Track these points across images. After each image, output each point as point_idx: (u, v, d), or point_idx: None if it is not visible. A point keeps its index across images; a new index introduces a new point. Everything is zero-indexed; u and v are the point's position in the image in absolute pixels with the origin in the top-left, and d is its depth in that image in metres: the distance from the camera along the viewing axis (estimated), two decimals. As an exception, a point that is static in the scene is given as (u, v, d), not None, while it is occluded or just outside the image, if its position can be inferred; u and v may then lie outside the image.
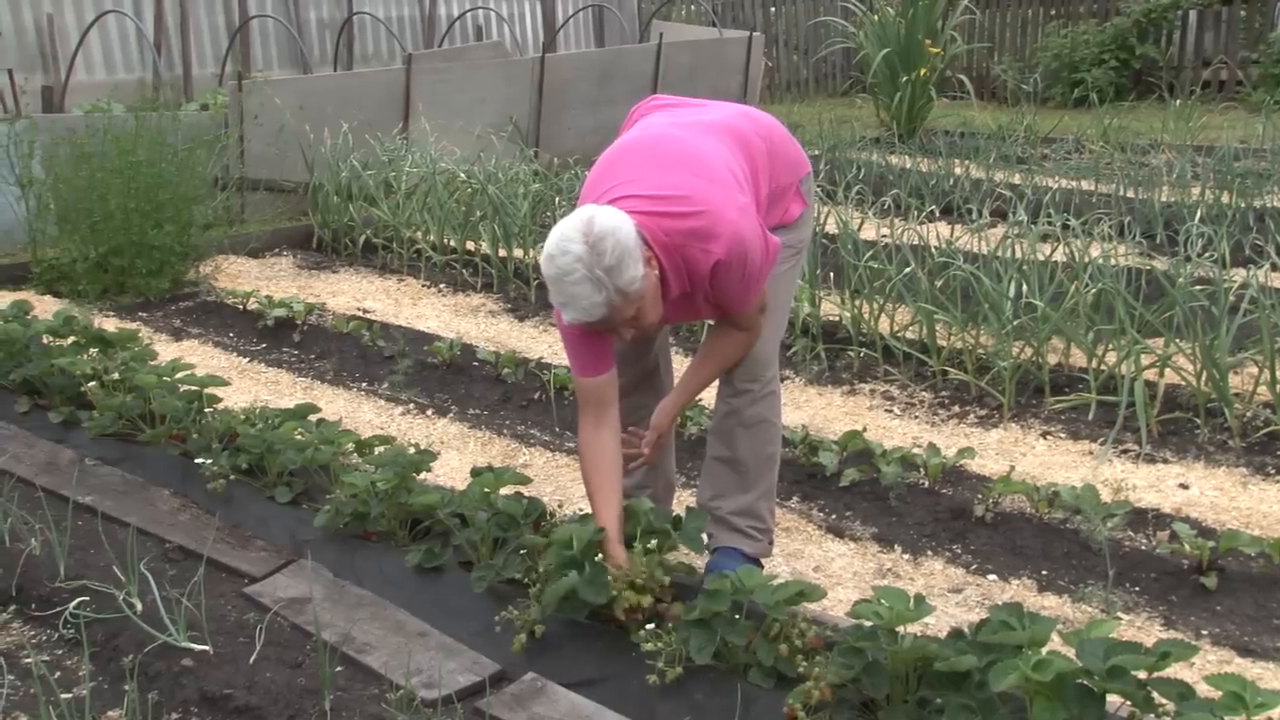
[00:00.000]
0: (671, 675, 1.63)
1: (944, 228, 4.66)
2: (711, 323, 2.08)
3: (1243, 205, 4.48)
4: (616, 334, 1.86)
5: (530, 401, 3.45)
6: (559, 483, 2.72)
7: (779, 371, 2.17)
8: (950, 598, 2.20)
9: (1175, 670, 1.45)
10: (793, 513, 2.70)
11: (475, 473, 2.24)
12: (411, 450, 2.46)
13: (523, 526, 2.06)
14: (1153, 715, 1.36)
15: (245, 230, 5.18)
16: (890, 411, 3.26)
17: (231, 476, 2.45)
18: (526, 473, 2.31)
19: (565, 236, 1.73)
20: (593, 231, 1.73)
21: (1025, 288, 3.39)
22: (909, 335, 3.60)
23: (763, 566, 2.19)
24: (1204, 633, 2.00)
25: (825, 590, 1.71)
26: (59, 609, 1.94)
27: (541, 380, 3.53)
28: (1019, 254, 3.63)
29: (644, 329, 1.86)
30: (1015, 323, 3.26)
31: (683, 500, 2.76)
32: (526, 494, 2.18)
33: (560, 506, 2.24)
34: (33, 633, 1.94)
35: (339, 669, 1.82)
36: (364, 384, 3.67)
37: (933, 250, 3.77)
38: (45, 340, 3.15)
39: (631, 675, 1.69)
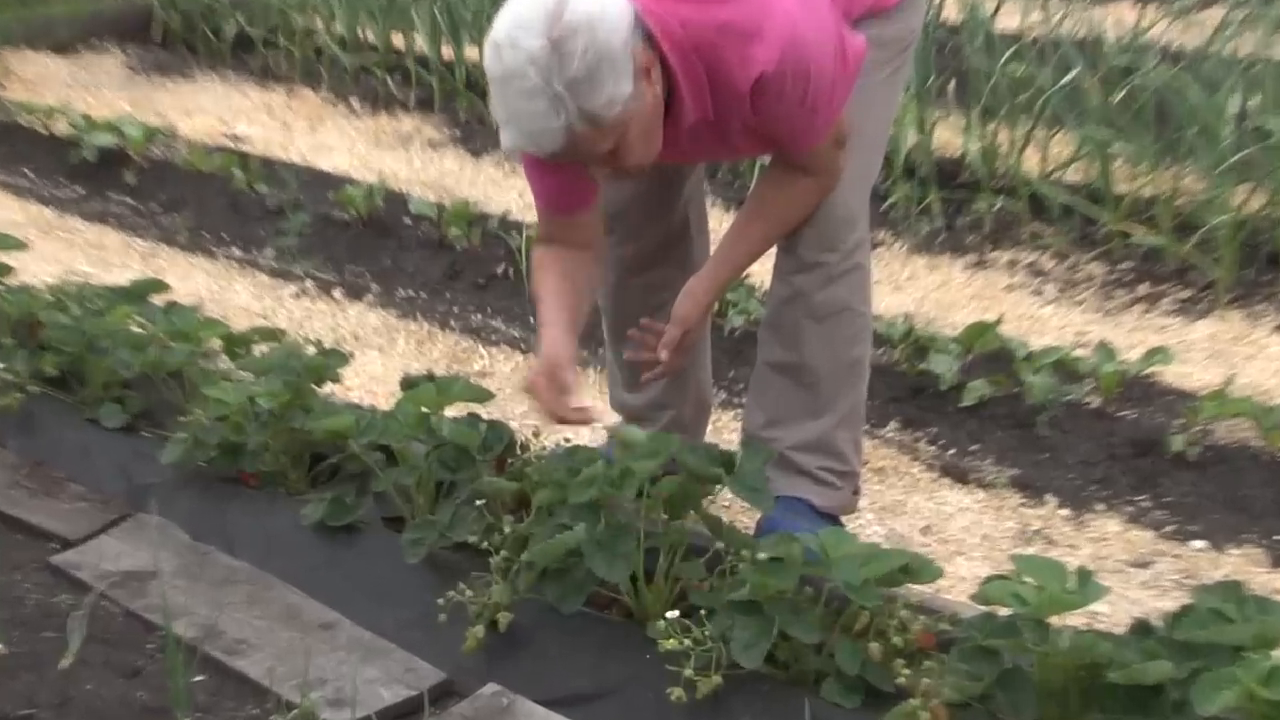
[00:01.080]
0: (705, 688, 1.65)
1: (1126, 11, 4.58)
2: (766, 160, 2.13)
3: None
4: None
5: (490, 278, 3.42)
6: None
7: (868, 235, 2.19)
8: (1132, 575, 2.21)
9: None
10: (889, 446, 2.69)
11: (408, 384, 2.27)
12: (311, 351, 2.47)
13: (480, 464, 2.09)
14: None
15: (47, 11, 5.00)
16: (1040, 294, 3.23)
17: (31, 388, 2.49)
18: (485, 385, 2.31)
19: (521, 22, 1.74)
20: (560, 21, 1.73)
21: (1254, 102, 3.32)
22: (1070, 177, 3.55)
23: (843, 525, 2.23)
24: None
25: (940, 565, 1.73)
26: None
27: (507, 246, 3.46)
28: (1244, 51, 3.57)
29: (629, 171, 1.92)
30: (1238, 156, 3.15)
31: (722, 429, 2.75)
32: (486, 416, 2.22)
33: (536, 435, 2.22)
34: None
35: (200, 678, 1.84)
36: (236, 250, 3.64)
37: (1109, 46, 3.70)
38: None
39: (644, 687, 1.73)
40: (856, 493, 2.27)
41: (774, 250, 2.18)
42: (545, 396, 1.96)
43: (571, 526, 1.80)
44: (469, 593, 1.86)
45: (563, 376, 1.97)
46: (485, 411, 2.24)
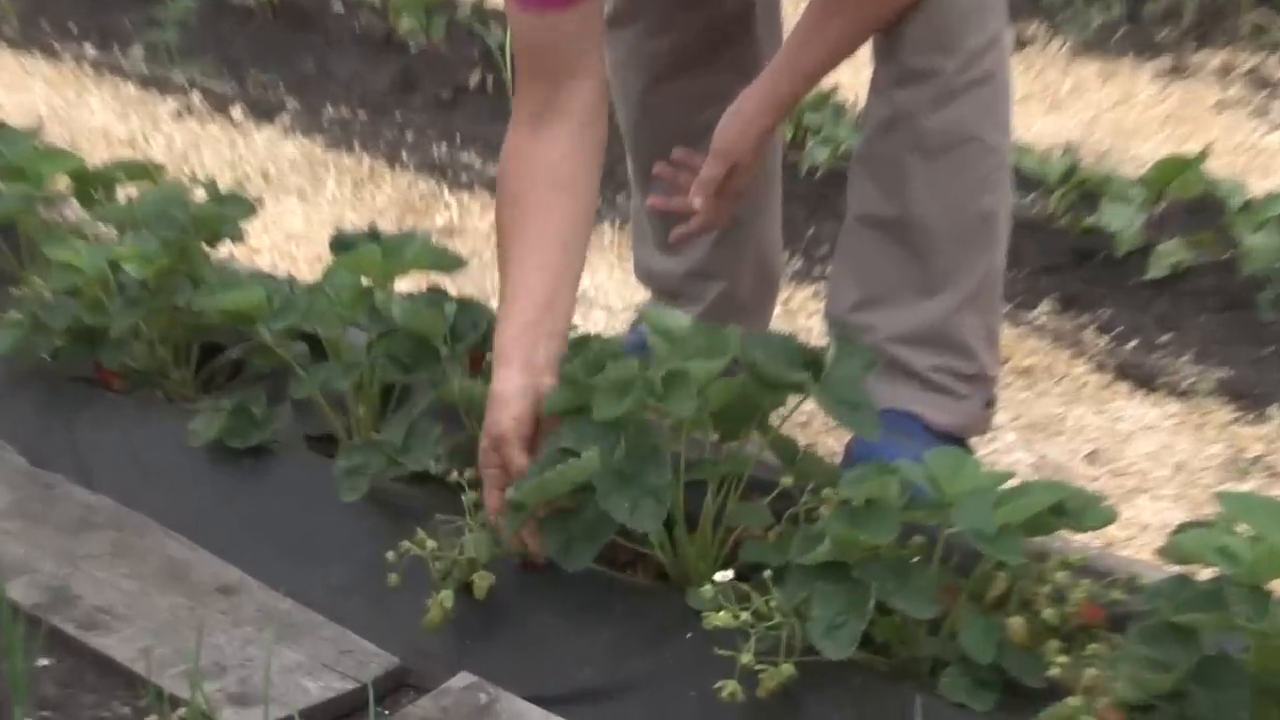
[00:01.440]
0: (771, 683, 1.67)
1: None
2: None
3: None
4: None
5: (459, 91, 3.50)
6: None
7: (1006, 30, 2.19)
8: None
9: None
10: (1040, 337, 2.71)
11: (341, 245, 2.29)
12: (200, 196, 2.47)
13: (447, 360, 2.10)
14: None
15: None
16: (1264, 114, 3.29)
17: None
18: (453, 246, 2.34)
19: None
20: None
21: None
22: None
23: (970, 450, 2.21)
24: None
25: (1112, 506, 1.71)
26: None
27: (484, 46, 3.57)
28: None
29: None
30: None
31: (797, 312, 2.79)
32: (454, 291, 2.24)
33: None
34: None
35: (44, 662, 1.85)
36: (90, 48, 3.73)
37: None
38: None
39: (680, 680, 1.75)
40: (990, 404, 2.30)
41: (869, 53, 2.19)
42: (490, 475, 1.92)
43: (577, 452, 1.81)
44: (431, 544, 1.87)
45: (511, 446, 1.91)
46: (453, 285, 2.30)
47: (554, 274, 2.00)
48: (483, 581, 1.85)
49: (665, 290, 2.42)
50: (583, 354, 1.96)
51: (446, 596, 1.84)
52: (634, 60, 2.28)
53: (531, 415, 1.92)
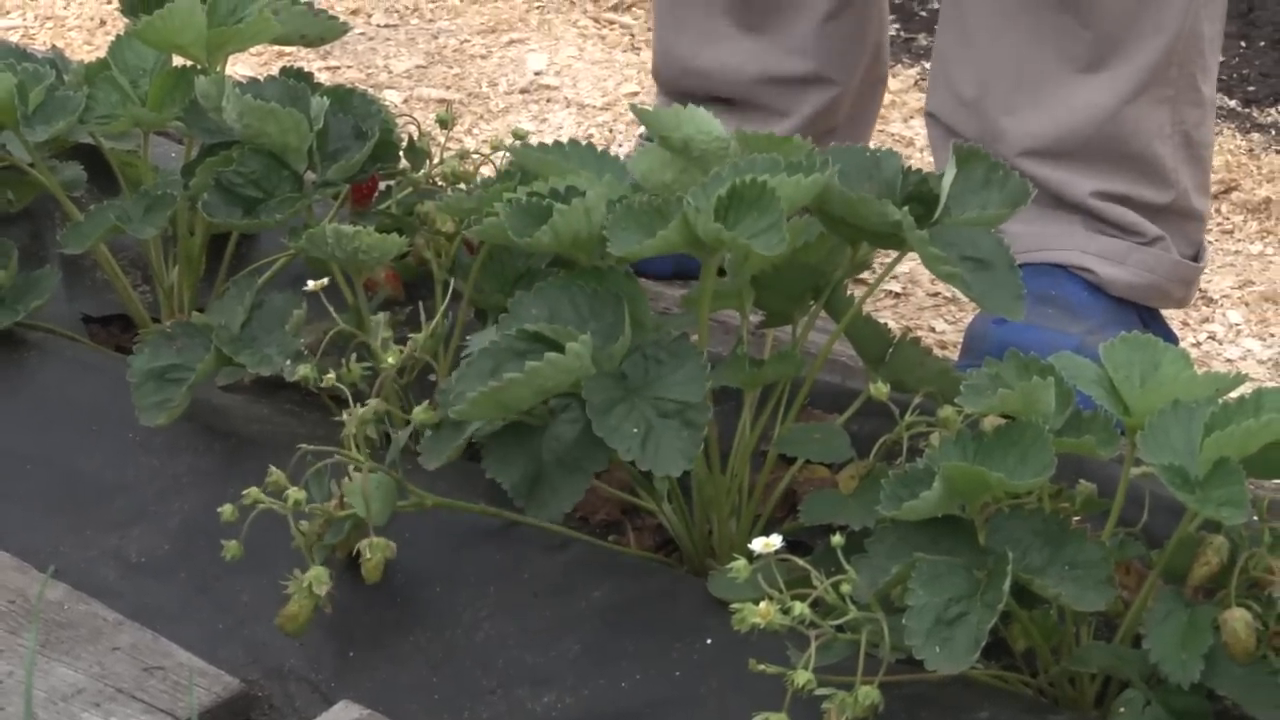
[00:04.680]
0: (843, 715, 1.64)
1: None
2: None
3: None
4: None
5: None
6: (448, 40, 2.87)
7: None
8: None
9: None
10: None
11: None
12: None
13: (316, 188, 2.11)
14: None
15: None
16: None
17: None
18: (326, 7, 2.34)
19: None
20: None
21: None
22: None
23: (1171, 334, 2.30)
24: None
25: None
26: None
27: None
28: None
29: None
30: None
31: (891, 111, 2.73)
32: (325, 73, 2.34)
33: (445, 125, 2.26)
34: None
35: None
36: None
37: None
38: None
39: (696, 715, 1.76)
40: (1198, 257, 2.36)
41: None
42: None
43: (549, 336, 1.78)
44: (293, 493, 1.83)
45: None
46: (326, 65, 2.24)
47: None
48: (377, 554, 1.81)
49: (721, 100, 2.39)
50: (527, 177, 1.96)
51: (317, 578, 1.79)
52: None
53: None
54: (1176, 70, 2.28)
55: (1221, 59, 2.68)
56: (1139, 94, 2.27)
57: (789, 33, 2.42)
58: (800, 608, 1.59)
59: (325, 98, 2.12)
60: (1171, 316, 2.30)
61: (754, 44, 2.43)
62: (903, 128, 2.55)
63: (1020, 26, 2.29)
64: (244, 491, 1.80)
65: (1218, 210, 2.55)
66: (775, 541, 1.64)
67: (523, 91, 2.70)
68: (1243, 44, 2.68)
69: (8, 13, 2.80)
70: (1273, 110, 2.72)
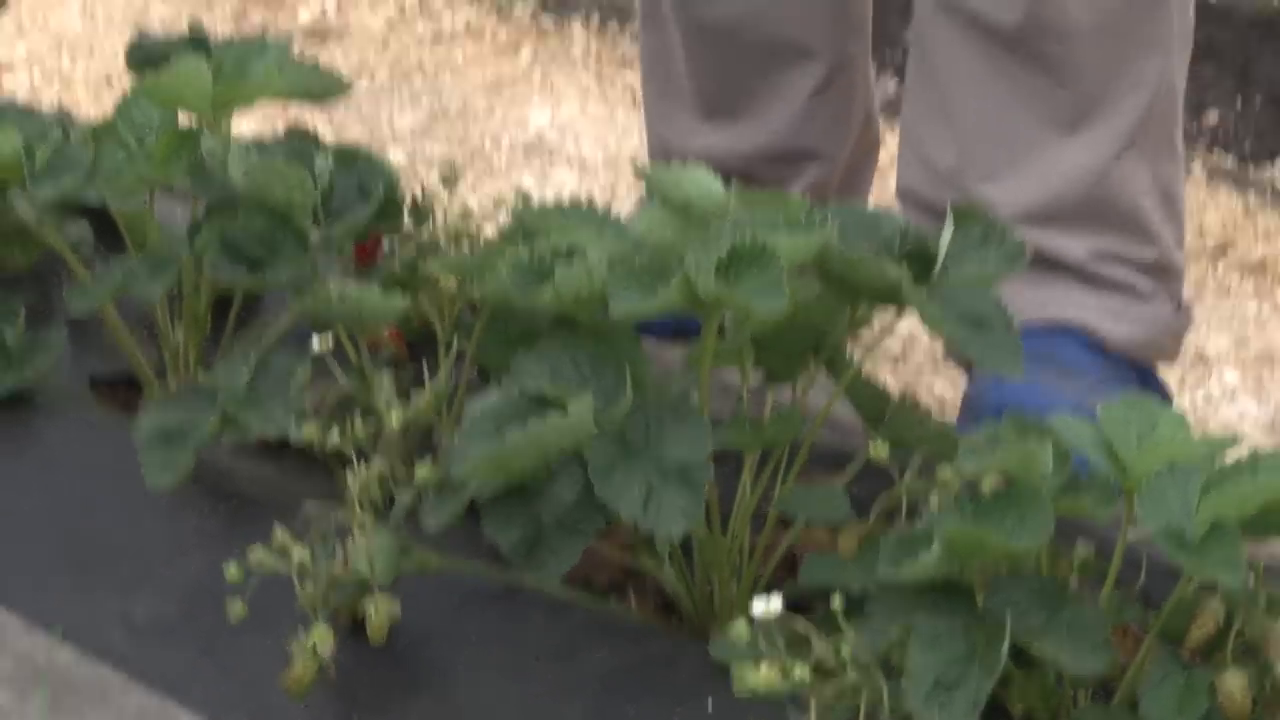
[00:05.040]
0: None
1: None
2: None
3: None
4: None
5: None
6: (452, 99, 2.84)
7: None
8: None
9: None
10: (1276, 205, 2.70)
11: (142, 57, 2.31)
12: None
13: (320, 248, 2.09)
14: None
15: None
16: None
17: None
18: (328, 59, 2.38)
19: None
20: None
21: None
22: None
23: (1167, 392, 2.31)
24: None
25: None
26: None
27: None
28: None
29: None
30: None
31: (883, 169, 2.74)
32: (331, 132, 2.32)
33: (450, 181, 2.19)
34: None
35: None
36: None
37: None
38: None
39: None
40: (1183, 308, 2.36)
41: None
42: None
43: (549, 396, 1.78)
44: (298, 553, 1.83)
45: None
46: (330, 121, 2.24)
47: None
48: (381, 615, 1.81)
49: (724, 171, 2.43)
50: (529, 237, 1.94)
51: (322, 639, 1.78)
52: None
53: None
54: (1155, 126, 2.29)
55: (1217, 118, 2.71)
56: (1123, 152, 2.28)
57: (769, 117, 2.45)
58: (800, 670, 1.60)
59: (330, 157, 2.12)
60: (1168, 377, 2.32)
61: (742, 128, 2.45)
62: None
63: (997, 91, 2.31)
64: (248, 551, 1.81)
65: (1214, 269, 2.57)
66: (775, 603, 1.65)
67: (525, 149, 2.71)
68: (1239, 102, 2.70)
69: (12, 69, 2.82)
70: (1270, 167, 2.74)
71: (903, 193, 2.38)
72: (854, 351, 1.89)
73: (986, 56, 2.29)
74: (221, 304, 2.14)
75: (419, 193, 2.21)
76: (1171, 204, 2.32)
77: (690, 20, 2.47)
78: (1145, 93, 2.28)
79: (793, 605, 1.68)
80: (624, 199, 2.68)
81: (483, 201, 2.36)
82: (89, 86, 2.73)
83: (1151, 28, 2.27)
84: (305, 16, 3.04)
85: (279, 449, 2.01)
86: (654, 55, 2.53)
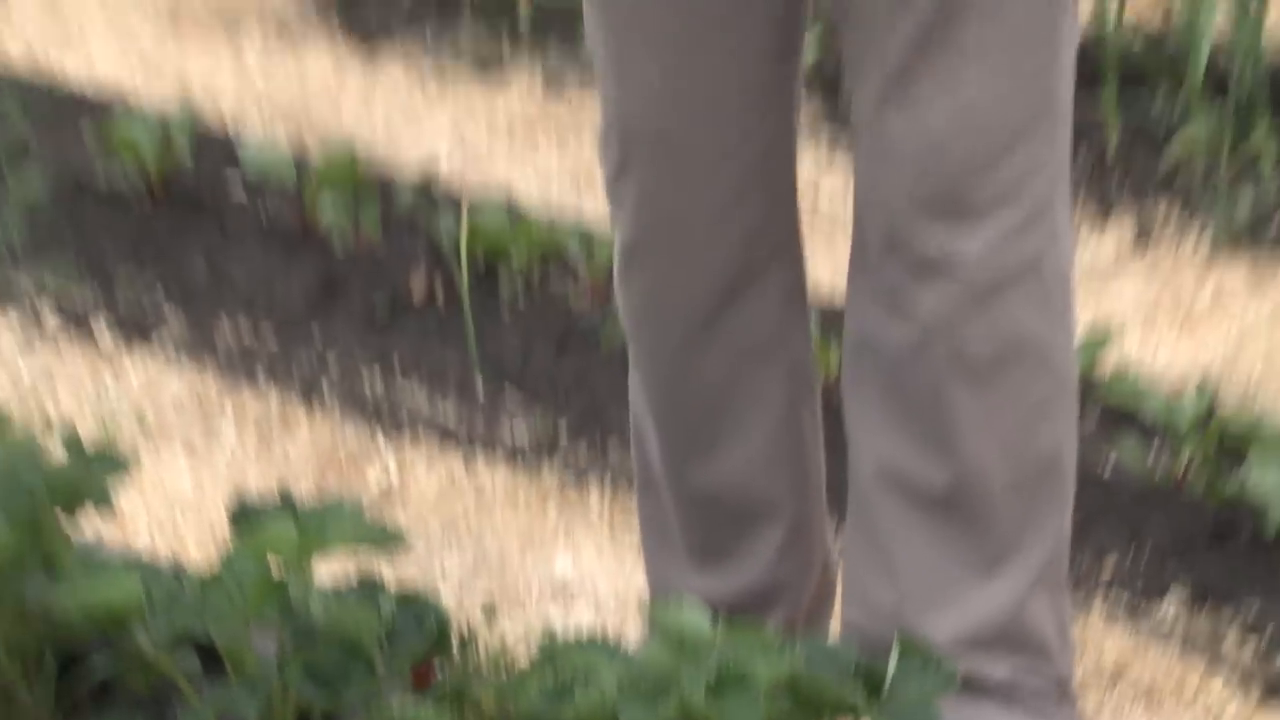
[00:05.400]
0: None
1: None
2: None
3: None
4: None
5: (397, 304, 3.57)
6: (491, 548, 2.89)
7: (1065, 178, 2.28)
8: None
9: None
10: (1164, 640, 2.74)
11: (243, 516, 2.36)
12: (58, 452, 2.46)
13: (385, 675, 2.14)
14: None
15: None
16: None
17: None
18: (391, 517, 2.43)
19: None
20: None
21: None
22: None
23: None
24: None
25: None
26: None
27: (429, 243, 3.64)
28: None
29: None
30: None
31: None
32: (394, 580, 2.29)
33: (490, 616, 2.31)
34: None
35: None
36: None
37: None
38: None
39: None
40: (1071, 702, 2.39)
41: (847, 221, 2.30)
42: None
43: None
44: None
45: None
46: (393, 571, 2.32)
47: None
48: None
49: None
50: (569, 655, 2.02)
51: None
52: (634, 302, 2.41)
53: None
54: (1055, 565, 2.34)
55: (1113, 565, 2.79)
56: (1032, 590, 2.31)
57: (747, 565, 2.47)
58: None
59: (392, 600, 2.19)
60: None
61: (720, 576, 2.47)
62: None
63: (930, 542, 2.33)
64: None
65: (1110, 693, 2.59)
66: None
67: (552, 590, 2.74)
68: (1132, 550, 2.78)
69: (134, 525, 2.85)
70: (1159, 606, 2.74)
71: (846, 624, 2.41)
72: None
73: (919, 514, 2.33)
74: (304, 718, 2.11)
75: (465, 626, 2.24)
76: (1063, 628, 2.36)
77: (679, 490, 2.49)
78: (1049, 538, 2.32)
79: None
80: (631, 631, 2.69)
81: (516, 633, 2.44)
82: (197, 540, 2.76)
83: (1053, 481, 2.32)
84: (374, 481, 3.06)
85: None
86: (650, 517, 2.56)
